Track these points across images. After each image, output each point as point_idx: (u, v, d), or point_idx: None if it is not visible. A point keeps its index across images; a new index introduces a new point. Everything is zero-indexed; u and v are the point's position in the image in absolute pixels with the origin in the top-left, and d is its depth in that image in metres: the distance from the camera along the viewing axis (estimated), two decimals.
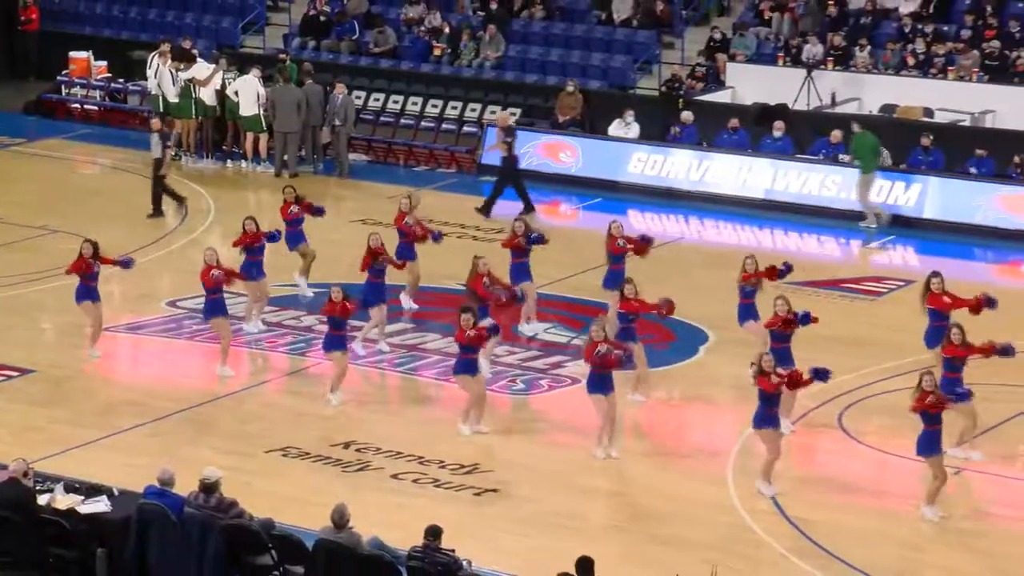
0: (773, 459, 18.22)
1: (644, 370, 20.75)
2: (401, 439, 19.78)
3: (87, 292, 22.00)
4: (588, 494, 18.70)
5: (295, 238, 24.16)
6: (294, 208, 24.13)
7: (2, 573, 16.42)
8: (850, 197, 28.91)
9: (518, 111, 32.64)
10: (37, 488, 16.61)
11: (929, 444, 17.58)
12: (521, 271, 22.75)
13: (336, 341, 20.61)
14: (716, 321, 22.68)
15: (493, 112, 32.93)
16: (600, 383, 19.09)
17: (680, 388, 21.68)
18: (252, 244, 22.78)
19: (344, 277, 24.08)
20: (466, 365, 19.73)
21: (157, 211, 28.61)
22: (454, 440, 19.76)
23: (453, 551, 15.35)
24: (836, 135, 29.51)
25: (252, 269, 22.79)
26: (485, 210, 28.86)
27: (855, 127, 29.01)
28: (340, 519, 15.53)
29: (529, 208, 28.67)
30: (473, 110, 33.19)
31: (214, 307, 21.57)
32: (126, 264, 22.73)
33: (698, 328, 23.24)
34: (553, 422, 20.41)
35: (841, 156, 29.42)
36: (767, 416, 18.14)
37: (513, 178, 29.09)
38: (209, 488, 16.05)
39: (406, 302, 23.87)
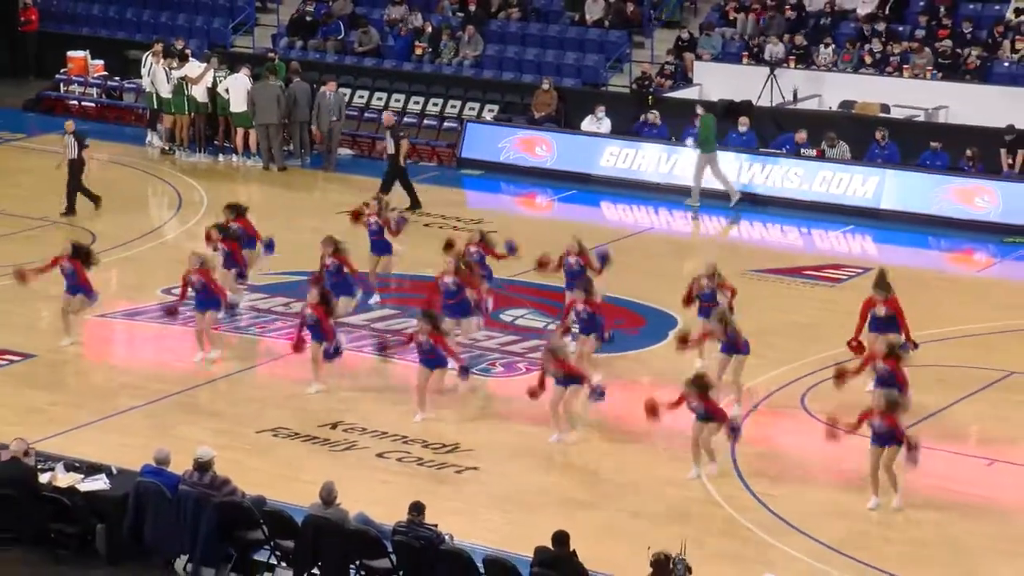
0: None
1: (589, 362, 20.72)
2: (386, 420, 19.76)
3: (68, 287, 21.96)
4: (564, 472, 18.72)
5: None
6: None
7: (6, 548, 16.40)
8: (812, 189, 28.97)
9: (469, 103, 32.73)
10: (39, 467, 16.60)
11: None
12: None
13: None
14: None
15: (472, 109, 32.95)
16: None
17: (650, 371, 21.67)
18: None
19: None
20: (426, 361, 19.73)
21: (71, 209, 27.87)
22: (436, 421, 19.74)
23: (436, 526, 15.36)
24: (801, 136, 29.53)
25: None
26: (413, 204, 28.48)
27: (699, 110, 29.24)
28: (328, 496, 15.53)
29: (384, 192, 27.98)
30: (453, 107, 33.17)
31: (202, 301, 21.53)
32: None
33: (667, 314, 23.25)
34: (530, 403, 20.35)
35: (689, 140, 29.55)
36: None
37: (393, 174, 28.63)
38: (203, 466, 16.04)
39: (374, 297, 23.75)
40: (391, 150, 28.85)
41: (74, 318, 21.98)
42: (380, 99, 33.69)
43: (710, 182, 28.97)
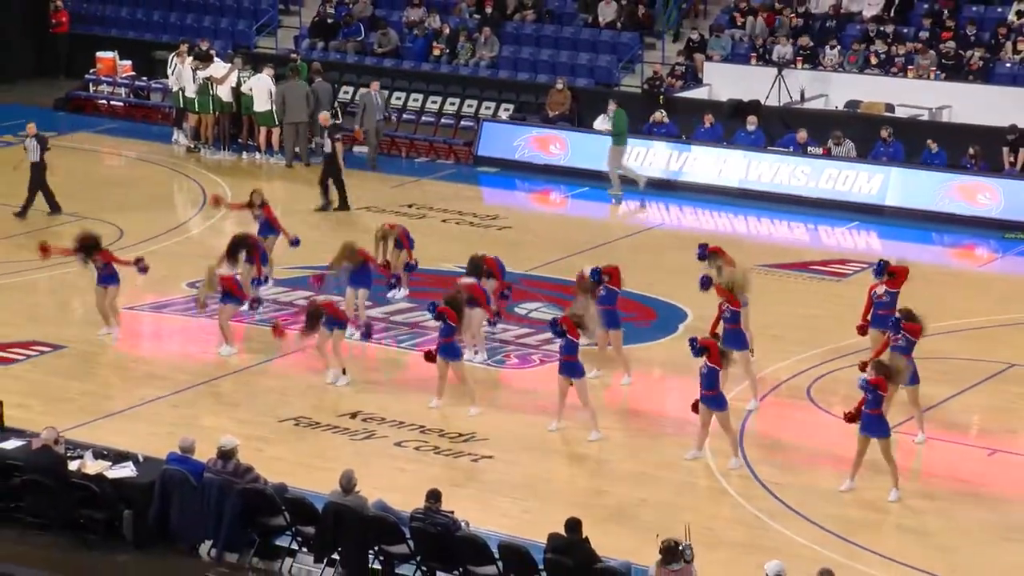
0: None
1: (623, 355, 20.60)
2: (404, 410, 19.77)
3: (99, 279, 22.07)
4: (576, 461, 18.72)
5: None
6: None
7: (37, 533, 16.45)
8: (818, 186, 28.94)
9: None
10: (68, 455, 16.65)
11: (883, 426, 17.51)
12: None
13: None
14: (694, 300, 22.63)
15: (488, 108, 32.93)
16: (563, 367, 19.05)
17: (661, 363, 21.66)
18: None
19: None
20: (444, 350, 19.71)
21: (55, 209, 27.70)
22: (453, 411, 19.74)
23: (452, 512, 15.39)
24: (802, 135, 29.49)
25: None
26: (341, 205, 28.23)
27: (612, 104, 29.49)
28: (348, 484, 15.56)
29: (344, 206, 28.03)
30: (470, 106, 33.16)
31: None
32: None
33: (678, 307, 23.24)
34: (544, 394, 20.32)
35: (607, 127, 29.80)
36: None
37: (335, 174, 28.29)
38: (227, 455, 16.08)
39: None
40: (328, 149, 28.61)
41: (109, 308, 22.00)
42: (399, 99, 33.69)
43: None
